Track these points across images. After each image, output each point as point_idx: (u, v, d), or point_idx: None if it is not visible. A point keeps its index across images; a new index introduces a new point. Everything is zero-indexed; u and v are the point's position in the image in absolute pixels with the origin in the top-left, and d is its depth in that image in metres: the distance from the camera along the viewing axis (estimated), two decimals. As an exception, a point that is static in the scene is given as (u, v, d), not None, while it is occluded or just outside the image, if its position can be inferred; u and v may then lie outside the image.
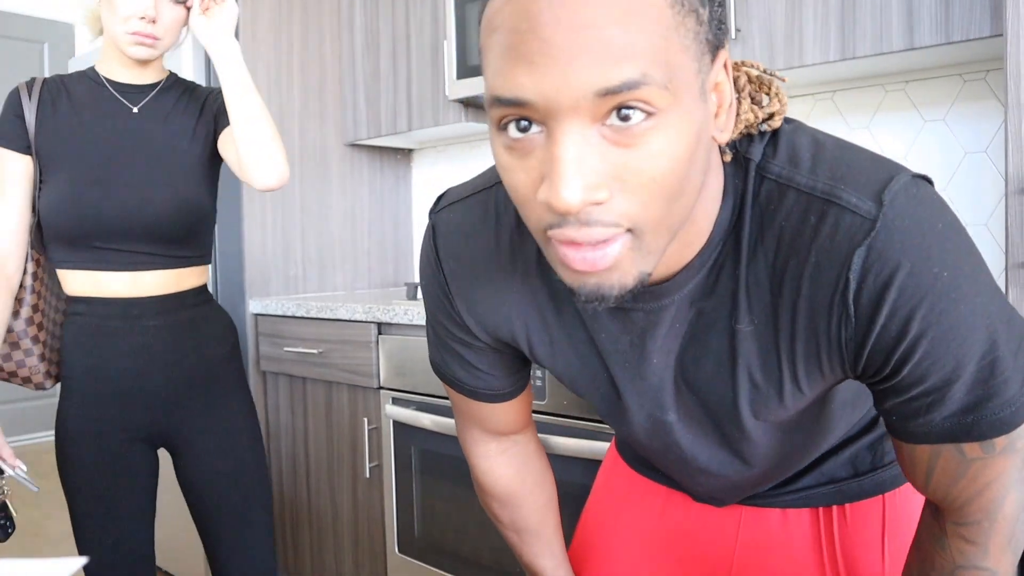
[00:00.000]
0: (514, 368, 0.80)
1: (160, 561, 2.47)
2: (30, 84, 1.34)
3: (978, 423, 0.56)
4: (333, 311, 2.03)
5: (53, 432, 4.27)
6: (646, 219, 0.50)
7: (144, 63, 1.37)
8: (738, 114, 0.59)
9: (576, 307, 0.68)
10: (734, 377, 0.64)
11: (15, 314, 1.35)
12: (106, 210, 1.28)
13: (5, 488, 1.32)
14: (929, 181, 0.57)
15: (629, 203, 0.49)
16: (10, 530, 1.35)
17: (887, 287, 0.53)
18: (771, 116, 0.60)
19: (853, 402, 0.74)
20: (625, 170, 0.48)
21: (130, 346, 1.34)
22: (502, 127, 0.50)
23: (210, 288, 1.89)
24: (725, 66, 0.53)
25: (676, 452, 0.75)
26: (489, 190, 0.71)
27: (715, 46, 0.51)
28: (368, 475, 2.01)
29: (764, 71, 0.63)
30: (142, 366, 1.35)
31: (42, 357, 1.38)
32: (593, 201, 0.48)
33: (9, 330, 1.34)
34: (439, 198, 0.75)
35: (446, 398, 1.80)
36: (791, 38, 1.57)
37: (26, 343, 1.35)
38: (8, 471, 1.30)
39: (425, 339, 1.82)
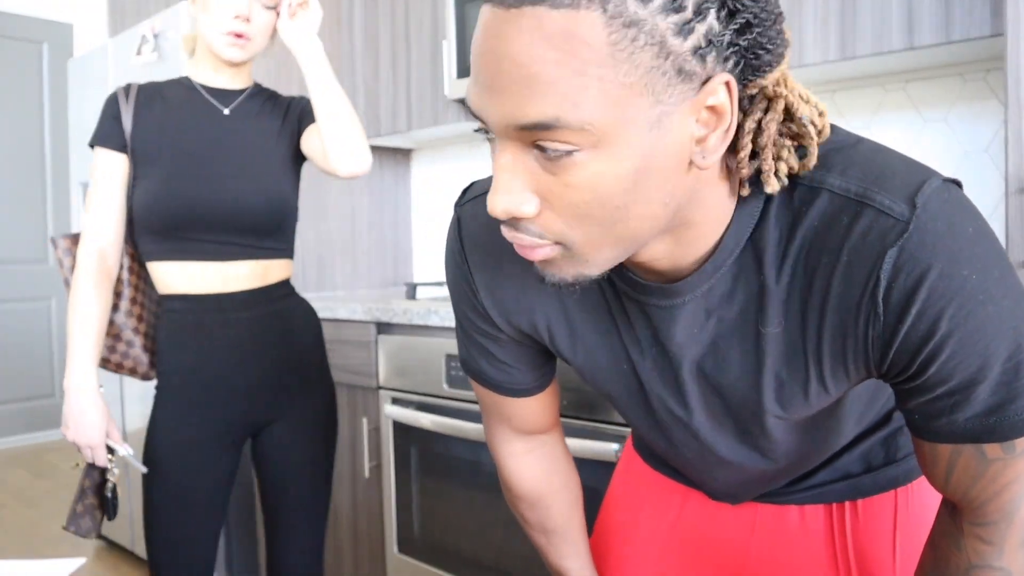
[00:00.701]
0: (538, 362, 0.81)
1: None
2: (127, 89, 1.41)
3: (1000, 424, 0.57)
4: (332, 311, 2.03)
5: (52, 432, 4.27)
6: (574, 238, 0.54)
7: (235, 67, 1.44)
8: (779, 157, 0.57)
9: (604, 295, 0.69)
10: (759, 379, 0.65)
11: (115, 307, 1.41)
12: (200, 201, 1.35)
13: (115, 469, 1.37)
14: (959, 185, 0.57)
15: (556, 222, 0.53)
16: (115, 511, 1.39)
17: (917, 287, 0.54)
18: (805, 157, 0.59)
19: (868, 399, 0.75)
20: (551, 194, 0.52)
21: (223, 341, 1.40)
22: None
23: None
24: (730, 88, 0.51)
25: (695, 445, 0.75)
26: None
27: (705, 75, 0.50)
28: (367, 475, 2.00)
29: (808, 101, 0.59)
30: (234, 360, 1.40)
31: (145, 348, 1.44)
32: (517, 215, 0.52)
33: (111, 323, 1.40)
34: (464, 191, 0.77)
35: (446, 398, 1.79)
36: (790, 37, 1.56)
37: (127, 334, 1.42)
38: (120, 450, 1.34)
39: (424, 338, 1.82)
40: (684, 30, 0.48)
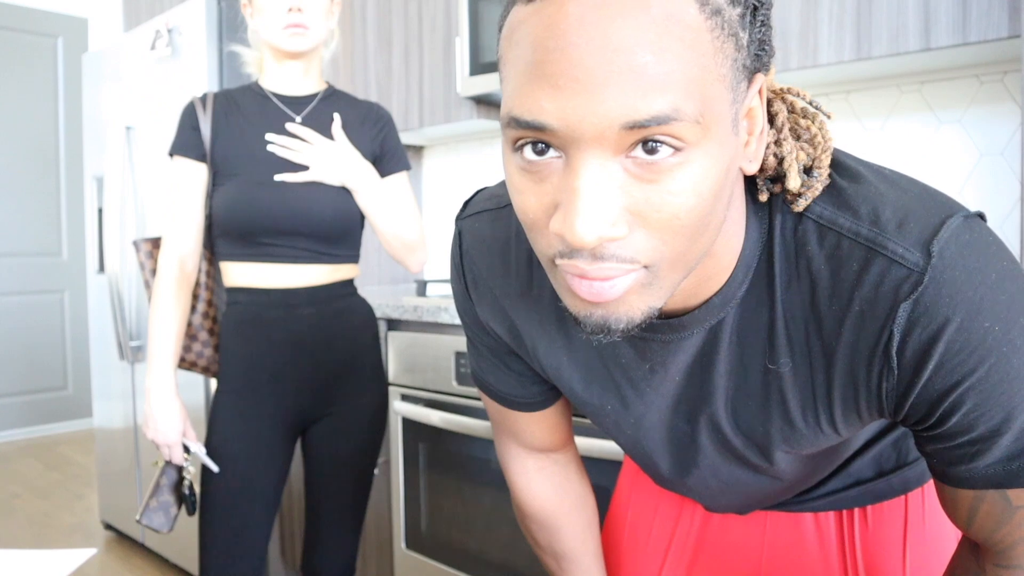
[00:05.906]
0: (542, 377, 0.78)
1: (167, 552, 2.48)
2: (203, 98, 1.45)
3: None
4: (343, 307, 2.03)
5: (64, 424, 4.30)
6: (663, 256, 0.47)
7: (303, 69, 1.46)
8: (781, 157, 0.55)
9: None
10: (768, 417, 0.62)
11: (192, 308, 1.46)
12: (276, 210, 1.38)
13: (191, 467, 1.41)
14: (983, 218, 0.54)
15: (648, 240, 0.46)
16: (194, 507, 1.43)
17: (934, 342, 0.51)
18: (814, 163, 0.56)
19: None
20: (647, 206, 0.45)
21: (286, 335, 1.43)
22: (517, 147, 0.47)
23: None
24: (760, 91, 0.49)
25: (694, 471, 0.73)
26: (511, 207, 0.70)
27: (752, 71, 0.48)
28: (376, 471, 2.01)
29: (810, 103, 0.57)
30: (293, 354, 1.43)
31: (216, 348, 1.48)
32: (609, 238, 0.45)
33: (188, 324, 1.46)
34: (466, 203, 0.74)
35: (454, 395, 1.80)
36: (805, 37, 1.55)
37: (203, 335, 1.47)
38: (194, 448, 1.38)
39: (434, 335, 1.82)
40: (745, 22, 0.46)
